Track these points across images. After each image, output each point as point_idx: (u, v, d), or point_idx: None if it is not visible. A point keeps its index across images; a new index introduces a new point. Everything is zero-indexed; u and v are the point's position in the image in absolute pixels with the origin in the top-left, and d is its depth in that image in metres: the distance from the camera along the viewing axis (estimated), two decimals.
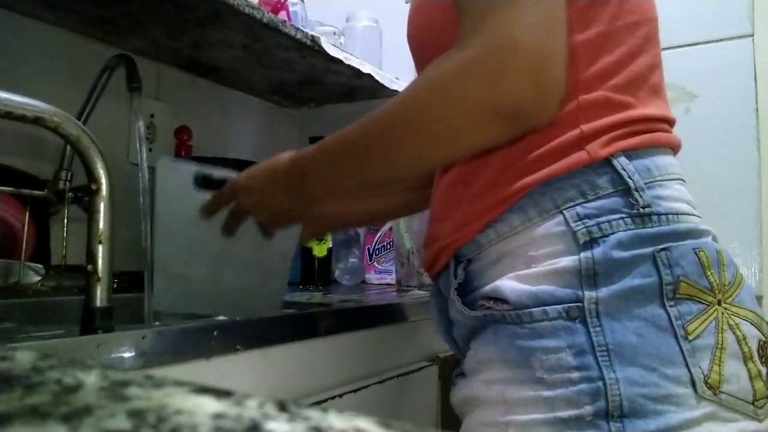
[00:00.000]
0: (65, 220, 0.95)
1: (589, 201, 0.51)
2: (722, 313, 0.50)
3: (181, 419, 0.15)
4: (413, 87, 0.54)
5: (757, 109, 1.07)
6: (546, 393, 0.49)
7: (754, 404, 0.48)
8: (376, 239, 1.37)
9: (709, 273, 0.50)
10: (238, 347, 0.60)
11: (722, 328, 0.49)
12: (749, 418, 0.48)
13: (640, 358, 0.47)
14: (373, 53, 1.38)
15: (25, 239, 0.87)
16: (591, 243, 0.50)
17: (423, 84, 0.53)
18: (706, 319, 0.49)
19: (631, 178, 0.51)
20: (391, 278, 1.32)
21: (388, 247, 1.34)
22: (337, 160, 0.60)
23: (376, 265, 1.36)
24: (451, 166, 0.61)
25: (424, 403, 0.89)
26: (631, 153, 0.53)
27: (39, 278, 0.88)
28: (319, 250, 1.29)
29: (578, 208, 0.51)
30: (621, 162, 0.52)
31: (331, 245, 1.31)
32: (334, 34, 1.31)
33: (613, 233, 0.50)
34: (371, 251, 1.37)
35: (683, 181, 0.55)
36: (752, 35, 1.08)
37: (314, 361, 0.71)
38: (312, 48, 1.12)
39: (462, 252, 0.58)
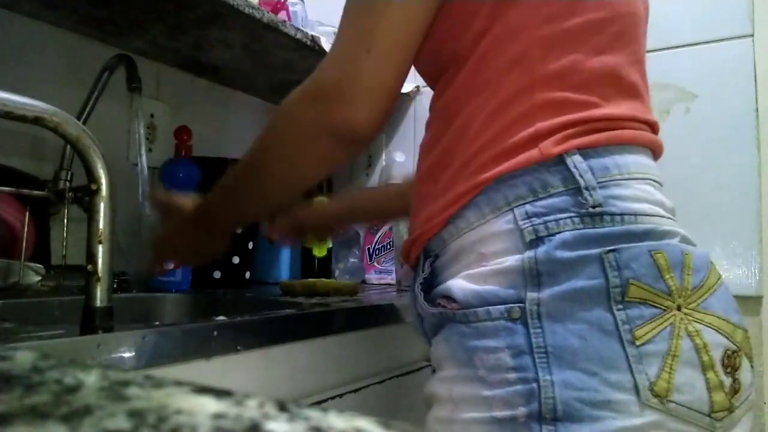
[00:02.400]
0: (65, 220, 0.95)
1: (539, 199, 0.51)
2: (681, 319, 0.47)
3: (181, 419, 0.15)
4: (268, 124, 0.64)
5: (757, 109, 1.07)
6: (485, 392, 0.49)
7: (711, 416, 0.46)
8: (376, 239, 1.37)
9: (667, 276, 0.48)
10: (238, 347, 0.60)
11: (677, 335, 0.47)
12: (705, 430, 0.46)
13: (580, 362, 0.46)
14: None
15: (25, 239, 0.87)
16: (537, 242, 0.50)
17: (271, 117, 0.63)
18: (659, 324, 0.47)
19: (582, 177, 0.50)
20: (391, 278, 1.32)
21: (388, 247, 1.34)
22: (230, 195, 0.69)
23: (376, 265, 1.36)
24: (425, 161, 0.62)
25: (424, 403, 0.89)
26: (588, 151, 0.52)
27: (39, 278, 0.88)
28: (319, 250, 1.29)
29: (528, 206, 0.51)
30: (574, 160, 0.51)
31: (331, 245, 1.31)
32: (334, 34, 1.31)
33: (559, 232, 0.49)
34: (371, 251, 1.37)
35: (655, 182, 0.54)
36: (752, 35, 1.08)
37: (314, 361, 0.71)
38: (312, 48, 1.12)
39: (430, 247, 0.59)
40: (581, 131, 0.52)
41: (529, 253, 0.49)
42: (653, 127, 0.58)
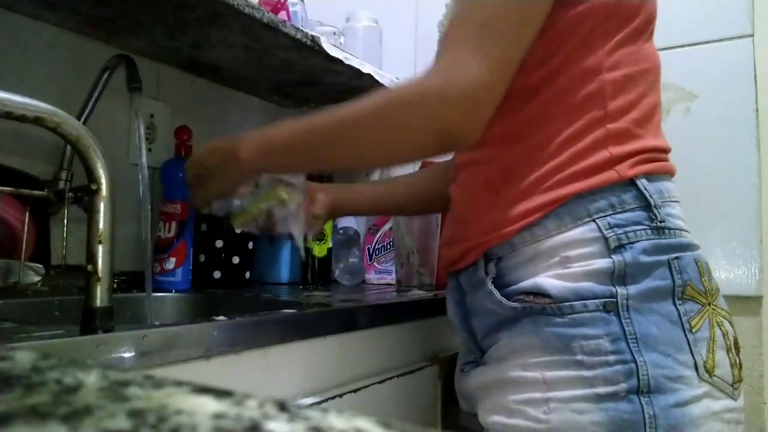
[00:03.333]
0: (65, 220, 0.95)
1: (617, 213, 0.61)
2: (711, 313, 0.61)
3: (181, 419, 0.15)
4: (374, 100, 0.63)
5: (757, 109, 1.07)
6: (586, 373, 0.58)
7: (733, 386, 0.60)
8: (376, 239, 1.37)
9: (703, 279, 0.62)
10: (238, 347, 0.60)
11: (713, 324, 0.61)
12: (729, 397, 0.60)
13: (659, 346, 0.58)
14: (373, 53, 1.38)
15: (25, 239, 0.87)
16: (620, 248, 0.60)
17: (382, 101, 0.63)
18: (702, 317, 0.60)
19: (651, 197, 0.62)
20: (391, 278, 1.32)
21: (388, 247, 1.34)
22: (294, 143, 0.68)
23: (376, 265, 1.36)
24: (480, 174, 0.69)
25: (424, 403, 0.89)
26: (650, 176, 0.63)
27: (39, 278, 0.88)
28: (319, 250, 1.29)
29: (609, 218, 0.61)
30: (643, 183, 0.62)
31: (331, 245, 1.32)
32: (334, 34, 1.31)
33: (637, 241, 0.60)
34: (371, 251, 1.37)
35: (679, 203, 0.66)
36: (752, 35, 1.08)
37: (314, 361, 0.71)
38: (312, 48, 1.12)
39: (493, 251, 0.67)
40: (644, 159, 0.64)
41: (618, 257, 0.60)
42: (668, 152, 0.69)
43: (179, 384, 0.19)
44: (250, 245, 1.19)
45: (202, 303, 1.00)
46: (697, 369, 0.58)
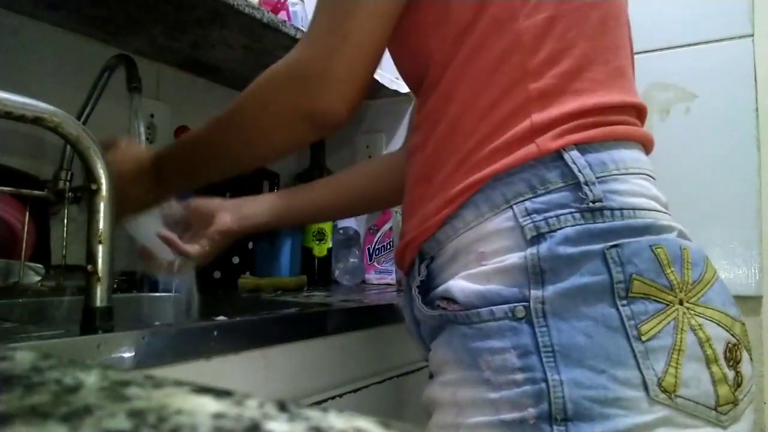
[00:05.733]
0: (65, 220, 0.95)
1: (538, 196, 0.50)
2: (683, 313, 0.47)
3: (181, 419, 0.15)
4: (241, 95, 0.61)
5: (757, 109, 1.07)
6: (491, 395, 0.48)
7: (717, 410, 0.45)
8: (376, 239, 1.37)
9: (668, 271, 0.48)
10: (238, 347, 0.60)
11: (682, 329, 0.46)
12: (711, 424, 0.45)
13: (588, 360, 0.45)
14: None
15: (25, 239, 0.87)
16: (538, 238, 0.49)
17: (245, 92, 0.60)
18: (663, 319, 0.46)
19: (581, 172, 0.49)
20: (391, 278, 1.32)
21: (388, 247, 1.34)
22: (187, 158, 0.68)
23: (376, 265, 1.36)
24: (416, 163, 0.60)
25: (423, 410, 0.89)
26: (585, 146, 0.51)
27: (39, 278, 0.88)
28: (319, 250, 1.29)
29: (527, 203, 0.50)
30: (572, 155, 0.50)
31: (331, 245, 1.31)
32: None
33: (560, 228, 0.48)
34: (371, 251, 1.37)
35: (649, 176, 0.53)
36: (752, 35, 1.08)
37: (314, 361, 0.71)
38: None
39: (425, 249, 0.57)
40: (578, 126, 0.51)
41: (532, 250, 0.48)
42: (641, 112, 0.57)
43: (179, 384, 0.19)
44: (250, 245, 1.19)
45: (202, 303, 1.00)
46: (646, 388, 0.44)
